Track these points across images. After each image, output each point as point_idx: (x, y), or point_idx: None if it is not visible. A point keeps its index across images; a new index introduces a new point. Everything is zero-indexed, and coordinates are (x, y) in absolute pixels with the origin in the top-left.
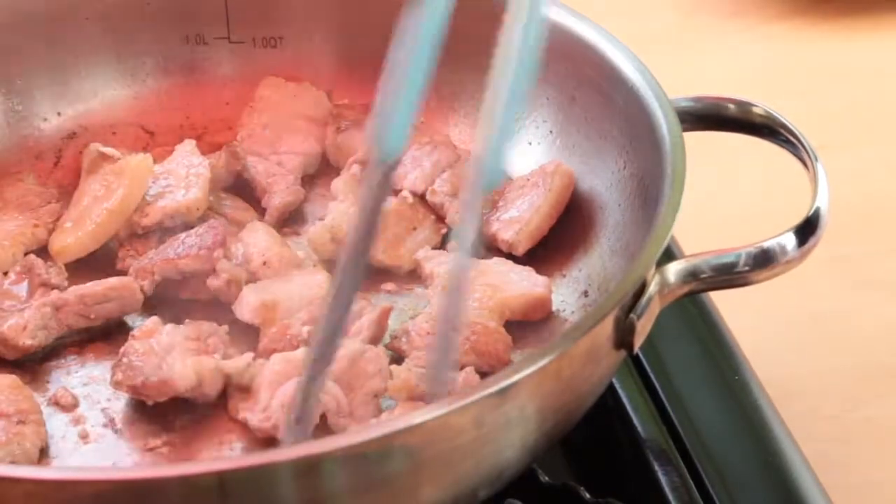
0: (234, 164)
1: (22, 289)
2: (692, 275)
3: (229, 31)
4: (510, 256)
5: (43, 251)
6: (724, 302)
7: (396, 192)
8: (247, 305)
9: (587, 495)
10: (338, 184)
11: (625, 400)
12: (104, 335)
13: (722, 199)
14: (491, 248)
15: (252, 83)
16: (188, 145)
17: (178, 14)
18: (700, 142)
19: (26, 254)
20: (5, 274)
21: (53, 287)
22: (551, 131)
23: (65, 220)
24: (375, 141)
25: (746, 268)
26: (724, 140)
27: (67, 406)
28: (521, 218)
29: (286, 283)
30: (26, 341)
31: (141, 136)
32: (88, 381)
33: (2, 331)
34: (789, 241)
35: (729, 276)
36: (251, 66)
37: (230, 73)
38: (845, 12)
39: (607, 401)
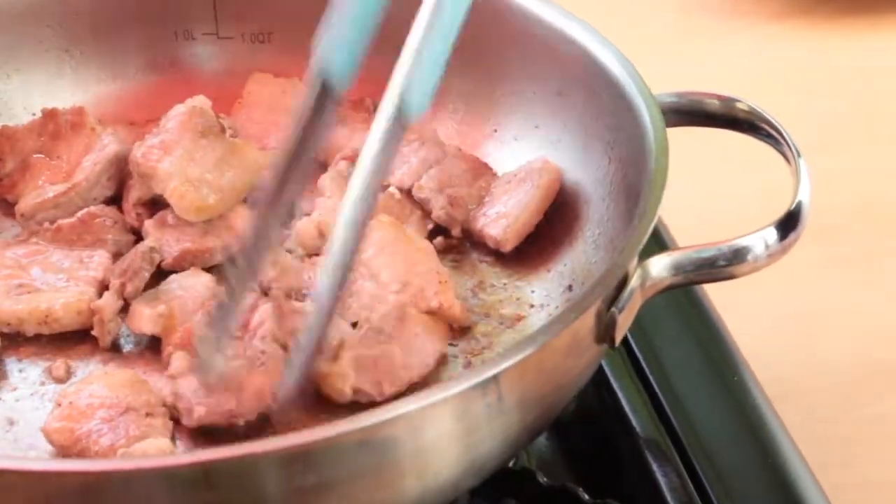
0: None
1: None
2: (674, 269)
3: (217, 26)
4: (496, 252)
5: None
6: (722, 301)
7: (384, 188)
8: (142, 317)
9: (586, 496)
10: (325, 180)
11: (623, 400)
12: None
13: (717, 194)
14: (477, 243)
15: (241, 79)
16: None
17: (166, 10)
18: (695, 138)
19: None
20: None
21: None
22: (537, 126)
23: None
24: (317, 56)
25: (728, 262)
26: (718, 136)
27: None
28: (508, 214)
29: (168, 287)
30: None
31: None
32: None
33: None
34: (771, 235)
35: (711, 269)
36: (240, 61)
37: (218, 69)
38: (845, 12)
39: (605, 401)
